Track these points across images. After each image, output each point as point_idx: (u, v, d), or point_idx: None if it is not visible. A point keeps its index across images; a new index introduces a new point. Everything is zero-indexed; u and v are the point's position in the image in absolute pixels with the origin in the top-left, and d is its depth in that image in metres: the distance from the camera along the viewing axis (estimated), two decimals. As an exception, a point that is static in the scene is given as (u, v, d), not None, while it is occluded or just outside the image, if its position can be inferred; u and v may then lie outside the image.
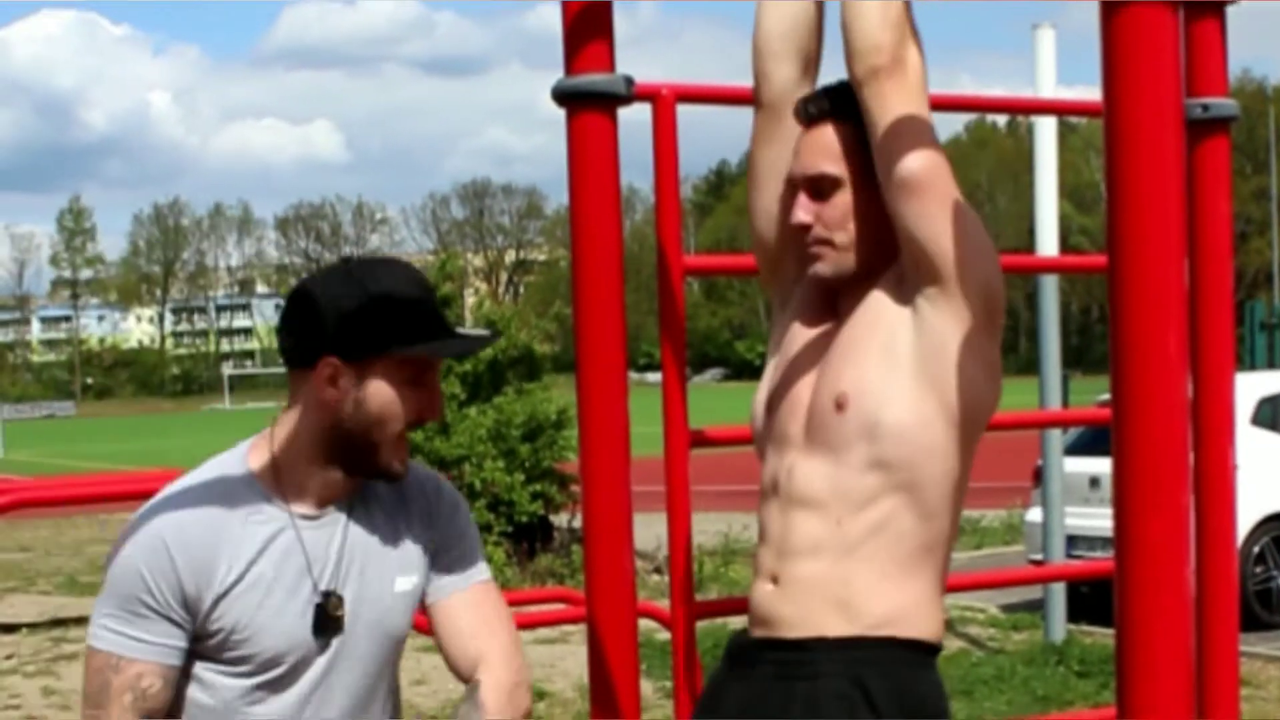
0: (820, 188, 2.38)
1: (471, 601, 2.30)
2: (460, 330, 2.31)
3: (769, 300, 2.65)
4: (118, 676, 2.11)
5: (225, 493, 2.17)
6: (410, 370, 2.18)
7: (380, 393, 2.16)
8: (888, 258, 2.36)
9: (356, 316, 2.13)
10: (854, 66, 2.31)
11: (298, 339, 2.18)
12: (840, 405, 2.32)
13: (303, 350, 2.17)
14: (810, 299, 2.50)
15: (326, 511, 2.22)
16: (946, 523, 2.35)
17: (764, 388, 2.52)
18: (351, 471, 2.21)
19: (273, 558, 2.17)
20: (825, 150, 2.38)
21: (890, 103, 2.27)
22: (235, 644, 2.15)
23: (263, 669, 2.18)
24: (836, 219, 2.38)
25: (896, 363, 2.31)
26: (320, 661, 2.20)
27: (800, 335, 2.48)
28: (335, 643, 2.21)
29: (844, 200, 2.37)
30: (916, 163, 2.25)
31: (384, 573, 2.25)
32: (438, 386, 2.23)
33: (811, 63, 2.52)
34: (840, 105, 2.37)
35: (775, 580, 2.37)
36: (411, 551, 2.29)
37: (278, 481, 2.20)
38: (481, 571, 2.34)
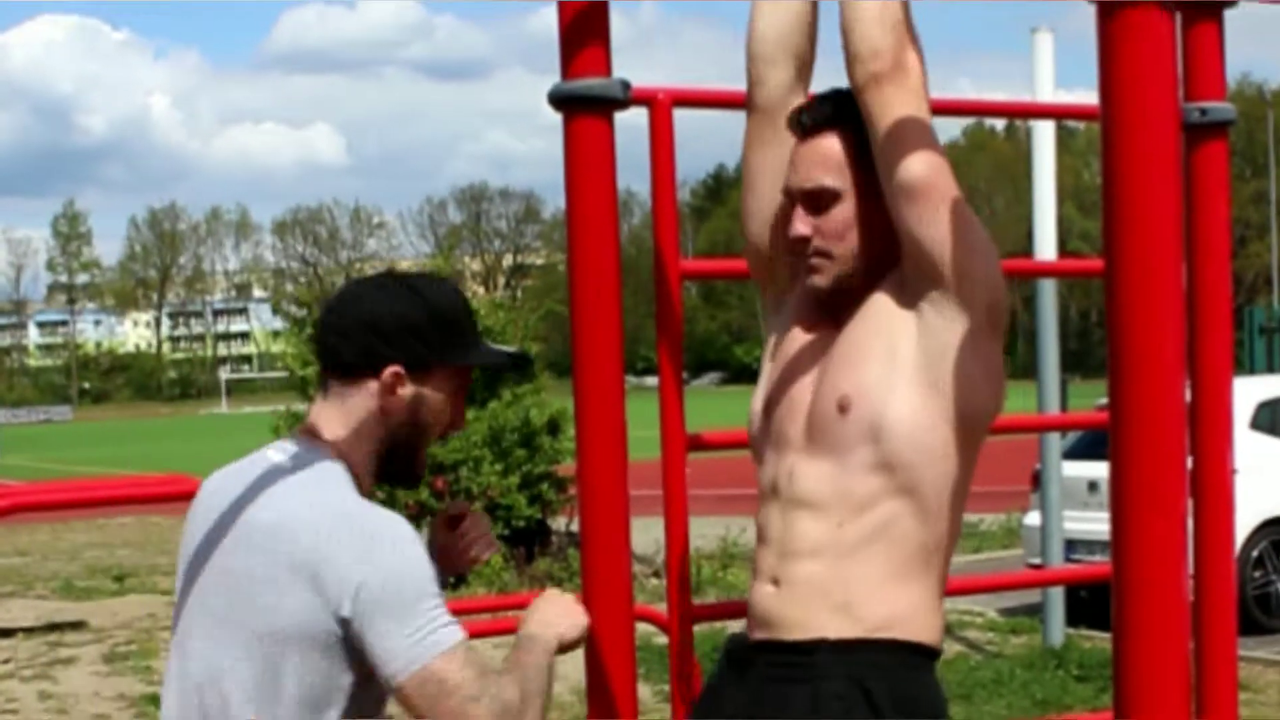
0: (819, 202, 2.36)
1: None
2: (495, 345, 2.40)
3: (763, 303, 2.64)
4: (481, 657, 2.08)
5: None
6: (461, 379, 2.26)
7: (434, 401, 2.23)
8: (887, 265, 2.35)
9: (421, 327, 2.19)
10: (855, 71, 2.30)
11: (359, 347, 2.19)
12: (843, 408, 2.31)
13: (365, 358, 2.18)
14: (807, 302, 2.48)
15: None
16: (947, 526, 2.34)
17: (761, 391, 2.51)
18: (386, 480, 2.25)
19: None
20: (823, 162, 2.35)
21: (892, 107, 2.26)
22: None
23: None
24: (836, 230, 2.35)
25: (899, 366, 2.30)
26: None
27: (798, 338, 2.47)
28: None
29: (843, 212, 2.35)
30: (918, 166, 2.24)
31: None
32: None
33: (805, 67, 2.51)
34: (841, 113, 2.35)
35: (776, 582, 2.37)
36: None
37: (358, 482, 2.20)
38: None
